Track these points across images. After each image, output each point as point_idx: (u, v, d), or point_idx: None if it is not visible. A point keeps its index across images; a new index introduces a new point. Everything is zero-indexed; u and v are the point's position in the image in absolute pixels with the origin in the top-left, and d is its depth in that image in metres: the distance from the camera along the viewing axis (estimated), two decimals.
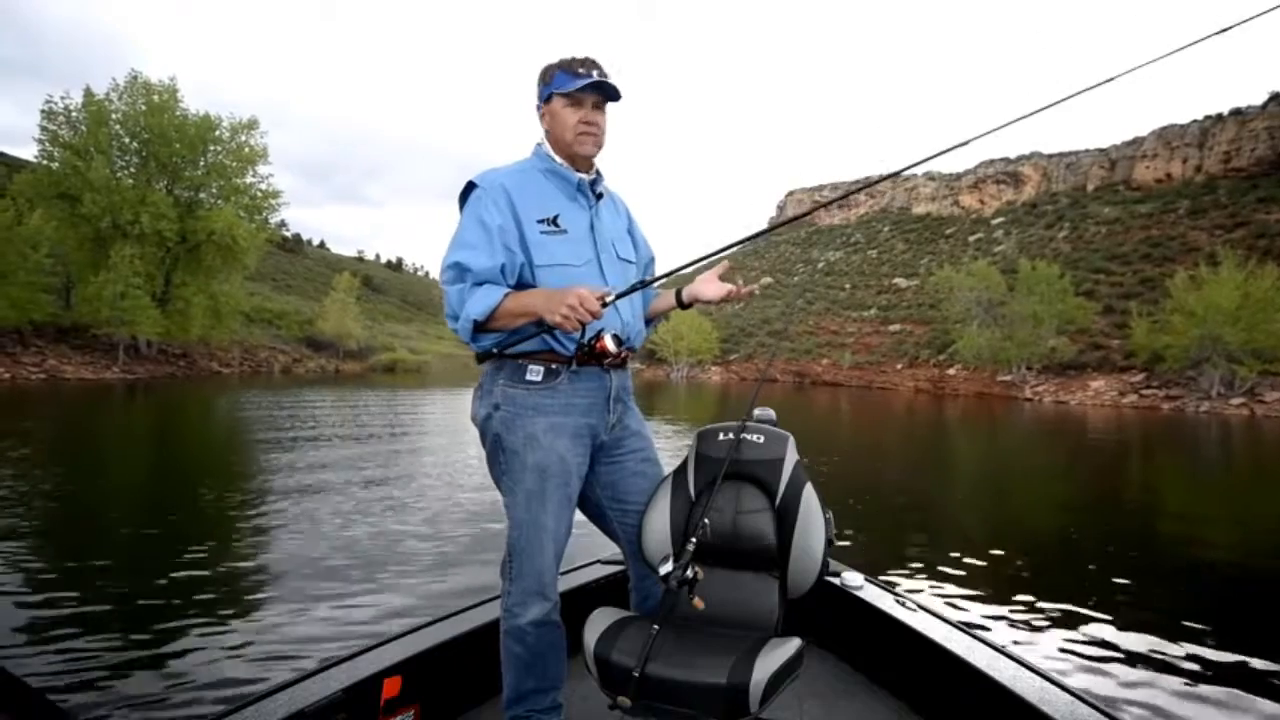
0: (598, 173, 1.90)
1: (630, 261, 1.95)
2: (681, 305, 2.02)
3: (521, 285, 1.75)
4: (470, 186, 1.78)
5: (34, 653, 3.32)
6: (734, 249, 1.95)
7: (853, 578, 2.52)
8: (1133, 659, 3.71)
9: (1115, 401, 35.55)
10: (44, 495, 6.78)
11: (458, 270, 1.70)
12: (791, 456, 1.87)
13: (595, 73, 1.74)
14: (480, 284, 1.70)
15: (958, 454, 14.98)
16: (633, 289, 1.76)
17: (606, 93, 1.78)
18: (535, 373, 1.76)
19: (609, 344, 1.69)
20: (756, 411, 2.01)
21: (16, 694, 1.01)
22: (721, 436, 1.94)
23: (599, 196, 1.90)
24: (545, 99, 1.81)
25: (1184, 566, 5.92)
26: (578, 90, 1.74)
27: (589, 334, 1.70)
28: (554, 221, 1.77)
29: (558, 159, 1.83)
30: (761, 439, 1.91)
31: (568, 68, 1.75)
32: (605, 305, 1.64)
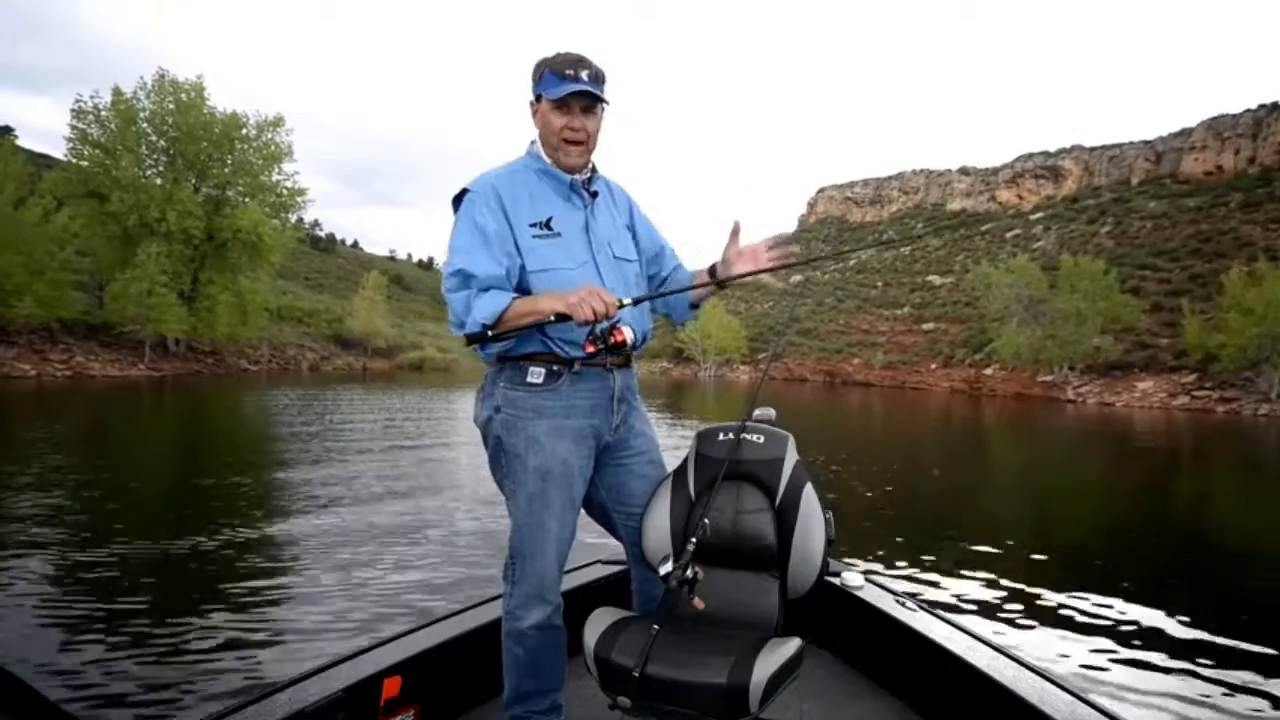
0: (593, 170, 1.85)
1: (629, 260, 1.89)
2: (717, 282, 1.89)
3: (519, 291, 1.73)
4: (463, 192, 1.75)
5: (35, 652, 3.31)
6: (787, 268, 1.89)
7: (853, 578, 2.51)
8: (1151, 672, 3.63)
9: (1164, 403, 33.95)
10: (48, 496, 6.61)
11: (461, 277, 1.67)
12: (791, 456, 1.86)
13: (584, 74, 1.68)
14: (485, 290, 1.66)
15: (996, 461, 14.19)
16: (650, 297, 1.80)
17: (591, 98, 1.71)
18: (536, 375, 1.72)
19: (626, 334, 1.68)
20: (756, 412, 1.96)
21: (16, 694, 1.02)
22: (721, 436, 1.92)
23: (594, 195, 1.85)
24: (536, 98, 1.76)
25: (1230, 587, 5.43)
26: (564, 96, 1.69)
27: (604, 325, 1.67)
28: (546, 225, 1.74)
29: (548, 159, 1.80)
30: (761, 439, 1.89)
31: (556, 68, 1.69)
32: (621, 307, 1.65)
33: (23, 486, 6.93)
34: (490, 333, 1.64)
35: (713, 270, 1.91)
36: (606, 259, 1.81)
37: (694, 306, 2.01)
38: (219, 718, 1.57)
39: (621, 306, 1.65)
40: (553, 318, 1.61)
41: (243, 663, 3.30)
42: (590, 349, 1.67)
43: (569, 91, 1.68)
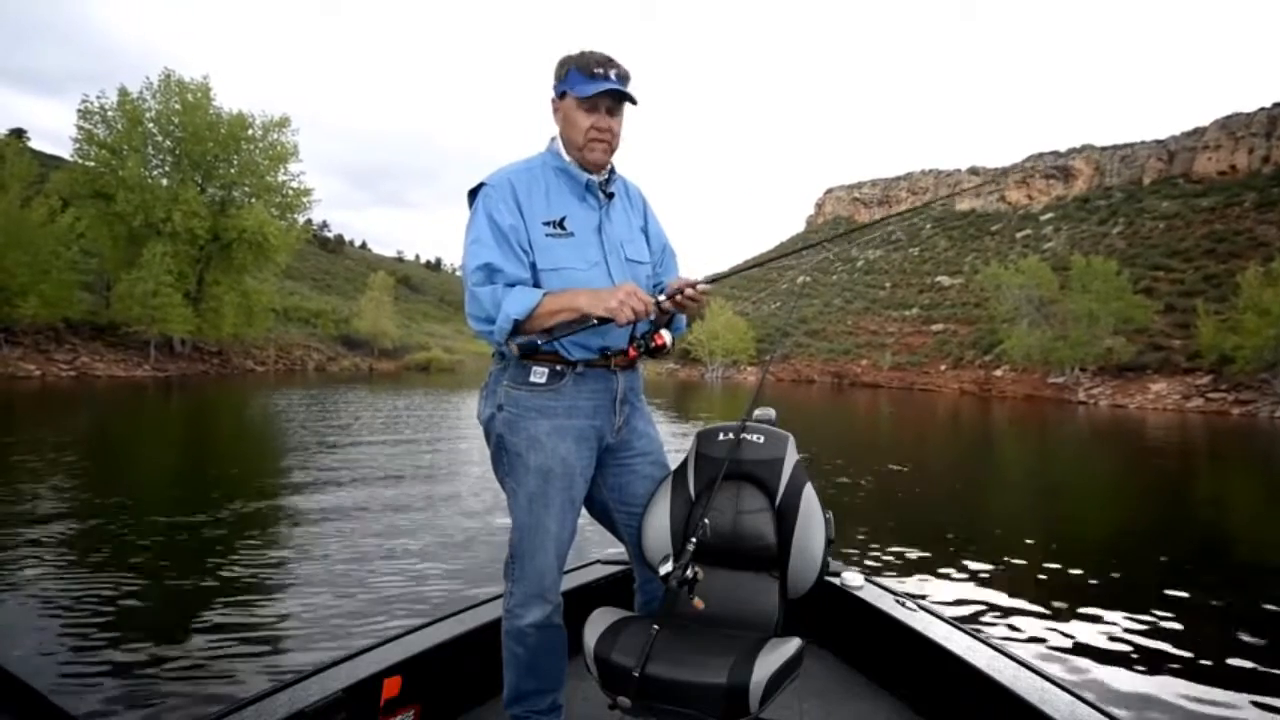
0: (610, 170, 1.84)
1: (640, 263, 1.87)
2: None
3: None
4: (479, 186, 1.75)
5: (35, 652, 3.32)
6: (775, 260, 2.05)
7: (853, 578, 2.50)
8: (1152, 674, 3.59)
9: (1178, 405, 33.42)
10: (50, 496, 6.61)
11: (487, 271, 1.66)
12: (791, 456, 1.85)
13: (613, 74, 1.67)
14: (512, 285, 1.66)
15: (1003, 463, 13.90)
16: (671, 295, 1.75)
17: (623, 97, 1.71)
18: (539, 374, 1.71)
19: (666, 338, 1.76)
20: (757, 412, 1.95)
21: (17, 694, 1.03)
22: (721, 436, 1.91)
23: (610, 196, 1.83)
24: (559, 95, 1.74)
25: (1241, 592, 5.25)
26: (593, 95, 1.67)
27: (642, 329, 1.76)
28: (560, 224, 1.73)
29: (567, 157, 1.78)
30: (761, 439, 1.89)
31: (583, 66, 1.68)
32: (658, 304, 1.68)
33: (23, 487, 6.87)
34: (540, 342, 1.62)
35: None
36: (618, 261, 1.80)
37: (665, 326, 1.93)
38: (219, 717, 1.57)
39: (658, 304, 1.67)
40: (595, 321, 1.62)
41: (243, 663, 3.29)
42: (633, 354, 1.76)
43: (600, 90, 1.66)
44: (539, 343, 1.64)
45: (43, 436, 10.72)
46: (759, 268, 1.91)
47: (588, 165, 1.77)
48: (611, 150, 1.77)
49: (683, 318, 1.91)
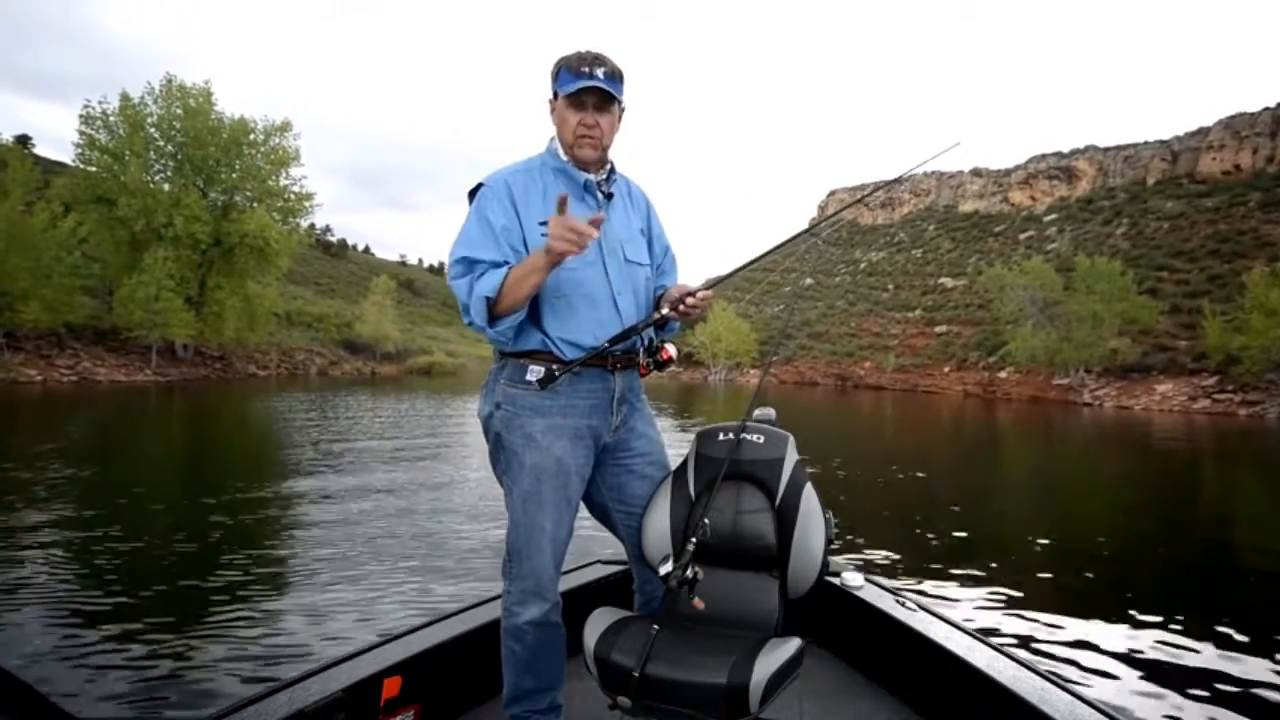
0: (610, 170, 1.86)
1: (640, 264, 1.89)
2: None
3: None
4: (478, 186, 1.77)
5: (35, 652, 3.33)
6: (771, 254, 1.96)
7: (853, 578, 2.50)
8: (1153, 674, 3.55)
9: (1184, 407, 33.21)
10: (49, 498, 6.60)
11: (466, 264, 1.69)
12: (791, 456, 1.85)
13: (599, 71, 1.69)
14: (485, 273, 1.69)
15: (1007, 465, 13.77)
16: (654, 320, 1.79)
17: (605, 94, 1.72)
18: (535, 373, 1.72)
19: (671, 352, 1.84)
20: (757, 412, 1.95)
21: (17, 694, 1.04)
22: (721, 437, 1.92)
23: (609, 196, 1.85)
24: (553, 95, 1.76)
25: (1245, 594, 5.19)
26: (576, 92, 1.70)
27: (655, 343, 1.85)
28: None
29: (564, 157, 1.80)
30: (761, 439, 1.89)
31: (571, 66, 1.70)
32: (662, 315, 1.76)
33: (24, 489, 6.86)
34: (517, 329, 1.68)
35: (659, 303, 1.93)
36: (617, 261, 1.81)
37: (659, 328, 1.93)
38: (219, 717, 1.57)
39: (662, 314, 1.76)
40: (544, 267, 1.62)
41: (243, 663, 3.30)
42: (644, 372, 1.85)
43: (580, 87, 1.68)
44: (510, 325, 1.68)
45: (43, 440, 10.66)
46: (754, 269, 1.94)
47: (579, 163, 1.79)
48: (600, 147, 1.78)
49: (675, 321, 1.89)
